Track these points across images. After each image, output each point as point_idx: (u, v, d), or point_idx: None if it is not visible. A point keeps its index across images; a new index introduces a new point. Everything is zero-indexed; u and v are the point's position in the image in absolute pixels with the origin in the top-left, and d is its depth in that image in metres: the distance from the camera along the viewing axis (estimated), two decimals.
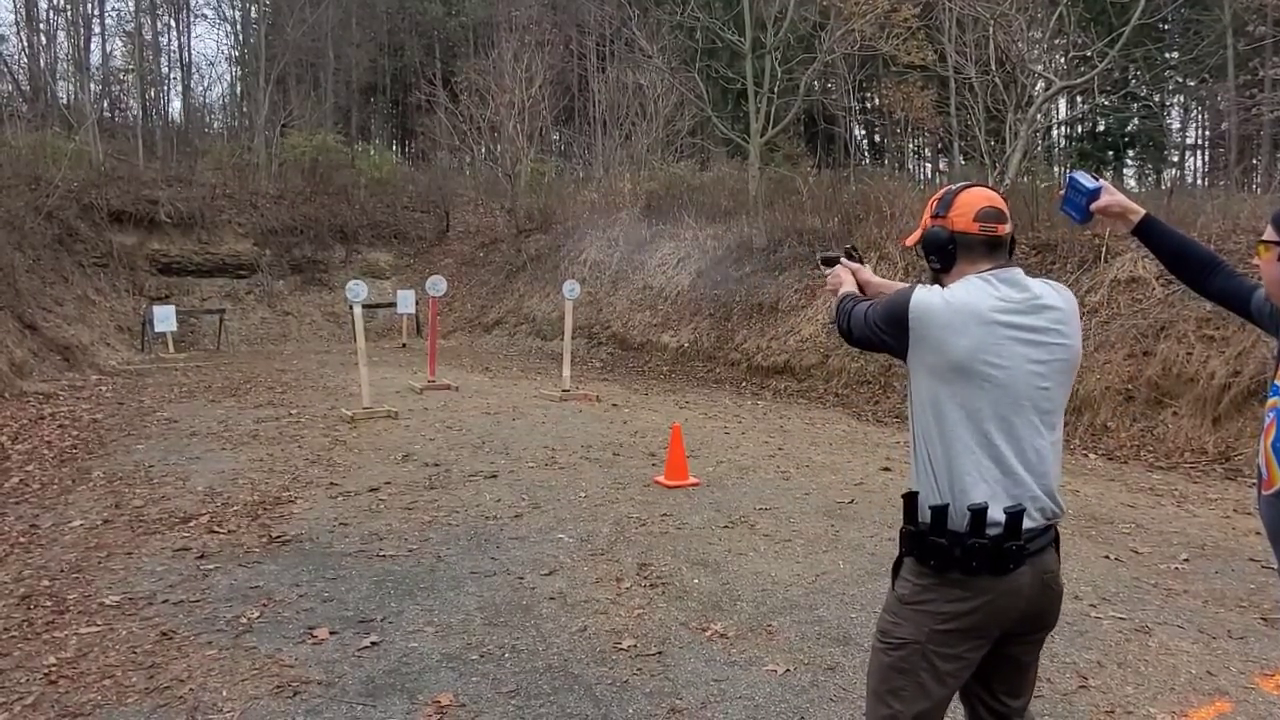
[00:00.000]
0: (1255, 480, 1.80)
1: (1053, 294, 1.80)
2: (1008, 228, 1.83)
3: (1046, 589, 1.78)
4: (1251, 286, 1.98)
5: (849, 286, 2.15)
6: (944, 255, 1.84)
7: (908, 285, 1.88)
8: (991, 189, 1.90)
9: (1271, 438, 1.70)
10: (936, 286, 1.82)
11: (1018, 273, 1.80)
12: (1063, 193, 2.12)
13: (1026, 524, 1.72)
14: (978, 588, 1.71)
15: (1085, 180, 2.08)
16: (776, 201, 15.40)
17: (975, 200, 1.83)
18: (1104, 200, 2.05)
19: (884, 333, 1.84)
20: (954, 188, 1.89)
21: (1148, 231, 2.06)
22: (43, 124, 21.90)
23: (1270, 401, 1.75)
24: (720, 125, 16.56)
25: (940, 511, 1.73)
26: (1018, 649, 1.83)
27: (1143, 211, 2.06)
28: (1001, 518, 1.70)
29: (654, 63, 18.22)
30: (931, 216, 1.88)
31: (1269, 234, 1.74)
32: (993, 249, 1.82)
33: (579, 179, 24.56)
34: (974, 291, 1.76)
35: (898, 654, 1.78)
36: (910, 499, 1.82)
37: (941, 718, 1.80)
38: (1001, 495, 1.72)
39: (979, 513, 1.69)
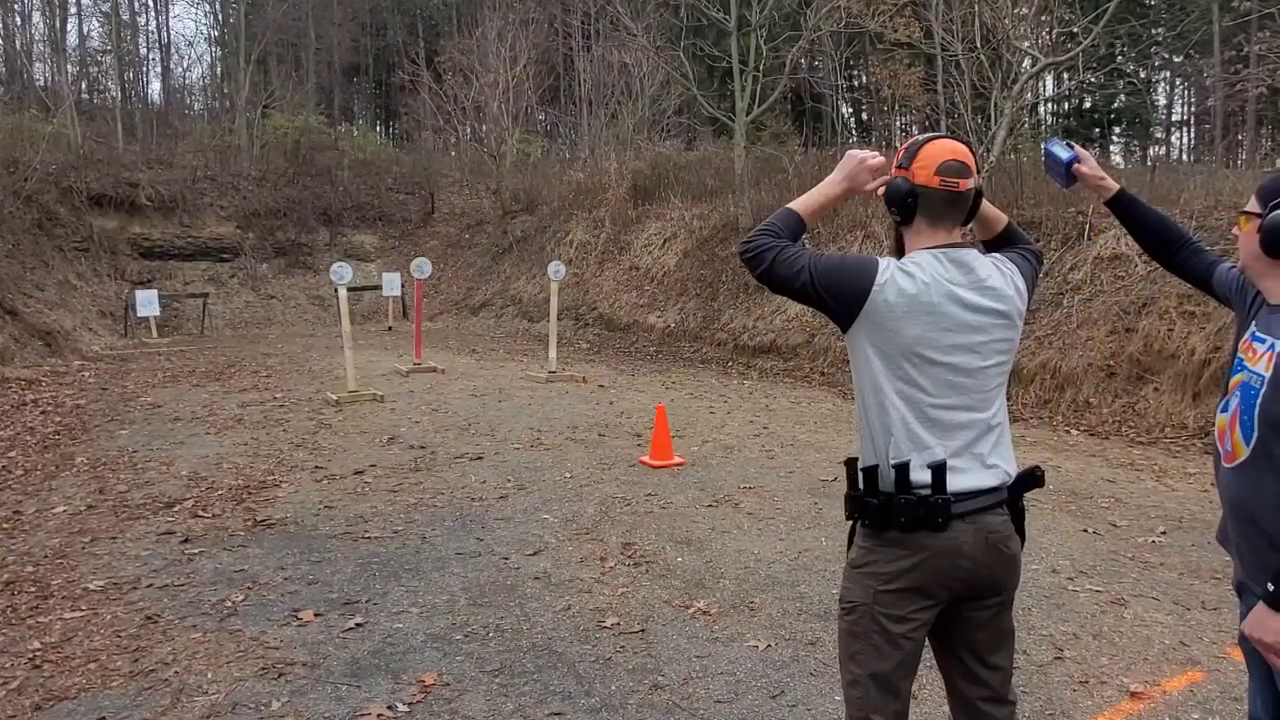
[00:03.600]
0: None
1: (998, 276, 1.83)
2: (970, 182, 1.82)
3: (993, 550, 1.78)
4: (1213, 261, 2.09)
5: (806, 198, 1.94)
6: (904, 208, 1.83)
7: (862, 256, 1.85)
8: (959, 140, 1.87)
9: (1238, 413, 1.72)
10: (893, 263, 1.81)
11: (970, 253, 1.82)
12: (1044, 159, 2.17)
13: (963, 484, 1.75)
14: (915, 545, 1.75)
15: (1059, 151, 2.13)
16: (763, 180, 15.34)
17: (939, 153, 1.80)
18: (1080, 169, 2.11)
19: (824, 293, 1.79)
20: (920, 138, 1.86)
21: (1120, 205, 2.15)
22: (19, 106, 21.59)
23: (1236, 378, 1.76)
24: (706, 104, 16.42)
25: (871, 472, 1.79)
26: (976, 613, 1.84)
27: (1116, 186, 2.14)
28: (926, 477, 1.74)
29: (639, 41, 18.04)
30: (896, 166, 1.86)
31: (1252, 205, 1.76)
32: (953, 204, 1.82)
33: (565, 159, 24.39)
34: (928, 272, 1.77)
35: (850, 618, 1.83)
36: (850, 464, 1.87)
37: (904, 682, 1.81)
38: (928, 457, 1.75)
39: (902, 468, 1.74)
